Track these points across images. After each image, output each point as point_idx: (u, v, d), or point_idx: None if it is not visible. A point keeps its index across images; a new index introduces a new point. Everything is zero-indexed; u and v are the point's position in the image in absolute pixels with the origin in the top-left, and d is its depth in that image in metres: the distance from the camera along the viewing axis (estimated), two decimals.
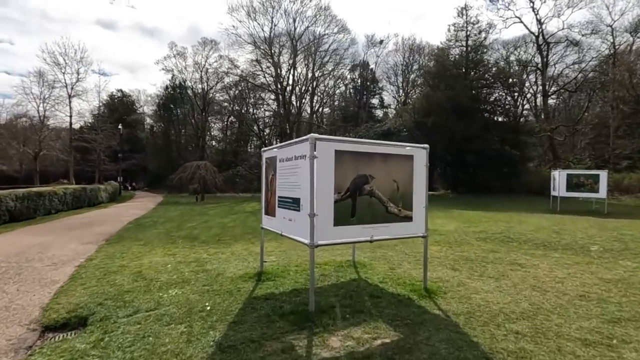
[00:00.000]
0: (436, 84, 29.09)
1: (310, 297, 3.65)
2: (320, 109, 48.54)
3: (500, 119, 29.71)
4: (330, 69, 41.54)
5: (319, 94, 46.48)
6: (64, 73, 39.17)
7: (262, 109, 46.83)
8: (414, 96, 37.96)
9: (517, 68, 34.07)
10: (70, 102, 39.72)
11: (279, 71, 39.41)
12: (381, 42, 42.64)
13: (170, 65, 44.46)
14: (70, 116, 40.28)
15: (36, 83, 38.99)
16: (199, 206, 19.62)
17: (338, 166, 3.73)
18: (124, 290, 4.47)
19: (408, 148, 4.31)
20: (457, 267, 5.62)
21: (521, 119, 32.41)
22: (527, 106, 36.91)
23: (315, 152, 3.60)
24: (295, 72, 40.37)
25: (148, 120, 56.74)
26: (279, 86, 39.79)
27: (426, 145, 4.40)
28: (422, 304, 3.98)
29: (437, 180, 35.65)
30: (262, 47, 38.10)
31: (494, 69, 29.99)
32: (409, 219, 4.25)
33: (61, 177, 42.25)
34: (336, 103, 49.22)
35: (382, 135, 28.26)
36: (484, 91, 29.19)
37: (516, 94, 33.95)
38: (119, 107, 52.00)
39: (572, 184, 14.84)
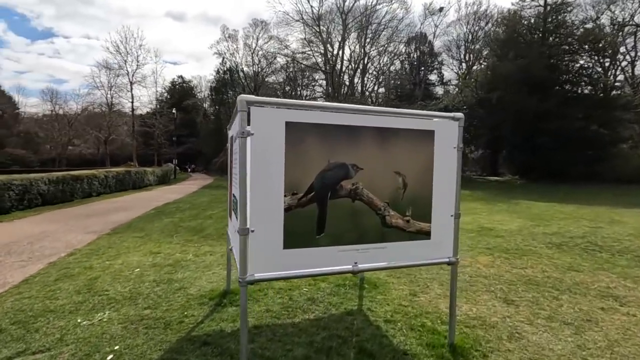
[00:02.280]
0: (505, 53, 25.11)
1: None
2: (376, 88, 45.80)
3: (585, 92, 24.89)
4: (383, 43, 38.60)
5: (372, 71, 43.80)
6: (125, 61, 41.51)
7: (314, 90, 45.63)
8: (479, 69, 33.69)
9: (609, 30, 28.20)
10: (132, 88, 42.14)
11: (328, 49, 37.60)
12: (441, 9, 38.33)
13: (223, 49, 44.87)
14: (132, 102, 42.79)
15: (104, 72, 41.92)
16: None
17: (293, 149, 2.23)
18: (49, 309, 3.50)
19: (426, 120, 2.63)
20: (512, 298, 3.82)
21: (613, 92, 26.92)
22: (620, 77, 30.74)
23: (248, 127, 2.14)
24: (346, 49, 38.23)
25: (206, 105, 58.87)
26: (328, 65, 38.05)
27: (459, 115, 2.66)
28: None
29: (503, 165, 31.72)
30: (310, 24, 36.46)
31: (579, 31, 24.98)
32: (424, 235, 2.62)
33: (128, 160, 45.69)
34: (392, 82, 46.05)
35: None
36: (565, 59, 24.57)
37: (607, 61, 28.28)
38: (179, 93, 54.41)
39: None
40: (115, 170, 16.92)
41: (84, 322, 3.20)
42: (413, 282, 4.29)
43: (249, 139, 2.13)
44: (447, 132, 2.63)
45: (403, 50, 41.26)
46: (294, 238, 2.26)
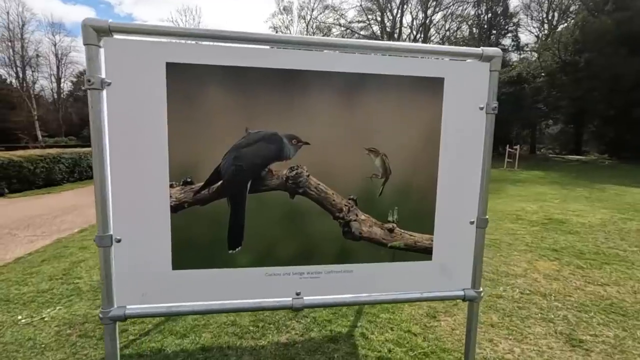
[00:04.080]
0: (599, 5, 20.82)
1: None
2: None
3: None
4: (448, 5, 34.82)
5: (435, 39, 40.07)
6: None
7: None
8: (564, 29, 28.74)
9: None
10: None
11: (387, 15, 34.98)
12: None
13: (277, 23, 44.25)
14: None
15: None
16: None
17: (183, 109, 1.35)
18: (6, 299, 3.17)
19: (429, 62, 1.55)
20: (581, 336, 2.62)
21: None
22: None
23: (103, 75, 1.30)
24: (407, 15, 35.23)
25: None
26: (385, 34, 35.55)
27: (492, 51, 1.54)
28: None
29: (589, 142, 27.40)
30: None
31: None
32: (420, 252, 1.61)
33: None
34: None
35: (507, 83, 22.18)
36: None
37: None
38: None
39: None
40: None
41: (23, 320, 2.78)
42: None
43: (104, 92, 1.29)
44: (468, 81, 1.53)
45: (472, 13, 36.83)
46: (190, 253, 1.42)
